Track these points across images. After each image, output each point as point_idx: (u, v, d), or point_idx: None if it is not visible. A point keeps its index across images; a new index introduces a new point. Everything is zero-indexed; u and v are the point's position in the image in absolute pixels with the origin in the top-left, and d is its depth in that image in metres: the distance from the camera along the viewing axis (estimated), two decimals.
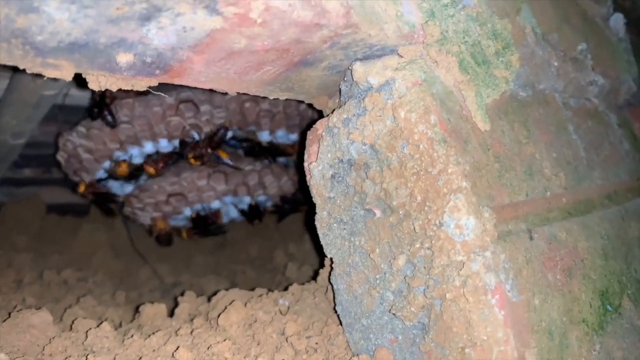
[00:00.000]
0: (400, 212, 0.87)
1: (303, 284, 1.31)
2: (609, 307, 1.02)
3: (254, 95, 1.78)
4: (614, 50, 1.72)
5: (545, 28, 1.26)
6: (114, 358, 0.99)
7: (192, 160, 1.74)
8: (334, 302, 1.03)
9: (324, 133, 0.98)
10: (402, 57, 0.89)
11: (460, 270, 0.80)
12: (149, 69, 0.81)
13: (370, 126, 0.89)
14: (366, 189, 0.92)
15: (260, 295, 1.26)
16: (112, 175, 1.82)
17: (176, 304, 1.38)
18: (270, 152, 1.92)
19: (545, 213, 1.02)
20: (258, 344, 1.03)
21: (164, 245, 2.22)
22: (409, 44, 0.89)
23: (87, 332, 1.09)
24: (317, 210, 1.02)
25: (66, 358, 0.97)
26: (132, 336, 1.08)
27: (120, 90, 1.67)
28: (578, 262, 1.00)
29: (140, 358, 0.97)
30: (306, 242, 2.23)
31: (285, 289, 1.30)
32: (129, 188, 1.97)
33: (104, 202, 2.13)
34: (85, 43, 0.71)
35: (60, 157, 1.86)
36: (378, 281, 0.93)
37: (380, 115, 0.87)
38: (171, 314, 1.35)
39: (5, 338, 1.07)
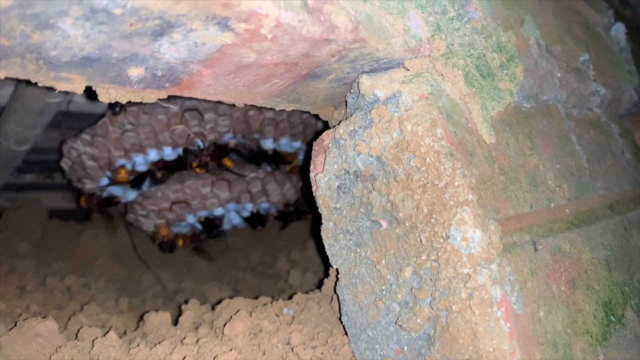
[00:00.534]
0: (407, 224, 0.88)
1: (307, 292, 1.31)
2: (612, 317, 1.03)
3: None
4: (615, 59, 1.73)
5: (549, 39, 1.27)
6: None
7: (196, 169, 1.75)
8: (340, 312, 1.04)
9: (330, 144, 0.98)
10: (408, 70, 0.90)
11: (467, 282, 0.81)
12: (159, 82, 0.82)
13: (377, 138, 0.90)
14: (372, 200, 0.93)
15: (265, 304, 1.26)
16: (113, 182, 1.83)
17: (180, 312, 1.39)
18: (273, 160, 1.94)
19: (549, 224, 1.03)
20: (264, 354, 1.03)
21: (166, 251, 2.23)
22: (416, 57, 0.90)
23: (93, 341, 1.10)
24: (323, 220, 1.03)
25: None
26: (138, 345, 1.09)
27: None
28: (582, 273, 1.01)
29: None
30: (309, 249, 2.24)
31: (290, 297, 1.31)
32: (132, 195, 1.98)
33: (106, 207, 2.13)
34: (98, 57, 0.71)
35: (65, 164, 1.87)
36: (384, 292, 0.93)
37: (386, 128, 0.88)
38: (175, 322, 1.35)
39: (12, 347, 1.07)
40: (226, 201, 1.90)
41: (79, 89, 0.78)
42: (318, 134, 1.07)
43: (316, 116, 1.12)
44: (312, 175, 1.06)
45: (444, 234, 0.82)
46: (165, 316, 1.31)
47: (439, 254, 0.83)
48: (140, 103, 1.73)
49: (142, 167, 1.82)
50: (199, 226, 2.08)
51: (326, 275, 1.29)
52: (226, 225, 2.11)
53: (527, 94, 1.12)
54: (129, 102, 1.74)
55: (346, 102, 1.00)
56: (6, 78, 0.76)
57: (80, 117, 1.99)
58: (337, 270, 1.03)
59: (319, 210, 1.04)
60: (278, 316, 1.17)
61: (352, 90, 0.97)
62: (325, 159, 1.00)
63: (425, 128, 0.84)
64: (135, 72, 0.76)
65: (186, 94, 0.89)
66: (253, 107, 1.75)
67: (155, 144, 1.71)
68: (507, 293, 0.81)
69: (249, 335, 1.09)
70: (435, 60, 0.90)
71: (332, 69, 0.88)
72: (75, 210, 2.71)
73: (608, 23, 1.86)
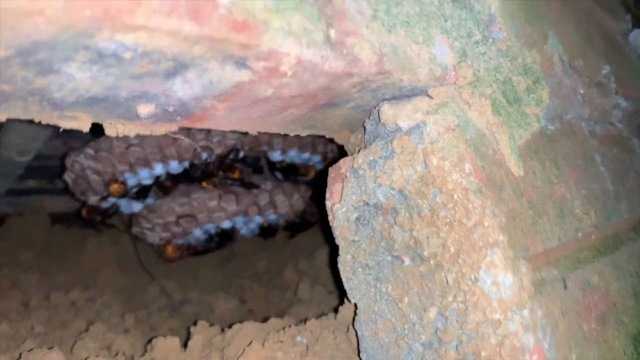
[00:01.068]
0: (432, 262, 0.84)
1: (321, 317, 1.27)
2: None
3: None
4: (634, 68, 1.68)
5: (571, 53, 1.22)
6: None
7: (204, 184, 1.71)
8: (358, 347, 1.00)
9: (348, 174, 0.94)
10: (432, 98, 0.85)
11: (497, 329, 0.76)
12: (170, 116, 0.77)
13: (399, 170, 0.85)
14: (394, 235, 0.88)
15: (278, 331, 1.22)
16: (109, 195, 1.79)
17: (189, 335, 1.35)
18: (286, 171, 1.89)
19: (576, 254, 0.98)
20: None
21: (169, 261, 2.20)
22: (441, 85, 0.85)
23: None
24: (340, 253, 0.99)
25: None
26: None
27: None
28: (611, 306, 0.97)
29: None
30: (317, 259, 2.19)
31: (303, 321, 1.26)
32: (137, 206, 1.94)
33: (108, 218, 2.10)
34: (105, 97, 0.67)
35: (68, 177, 1.82)
36: (406, 331, 0.89)
37: (410, 160, 0.84)
38: (185, 343, 1.31)
39: None
40: (233, 214, 1.86)
41: (85, 126, 0.74)
42: (328, 153, 1.03)
43: (331, 140, 1.07)
44: (328, 204, 1.01)
45: (472, 277, 0.78)
46: (174, 342, 1.27)
47: (467, 296, 0.79)
48: None
49: (147, 182, 1.78)
50: (213, 237, 2.03)
51: (337, 287, 1.25)
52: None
53: (551, 115, 1.07)
54: None
55: (364, 128, 0.95)
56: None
57: None
58: (355, 305, 0.99)
59: (336, 241, 1.00)
60: (292, 346, 1.13)
61: (371, 117, 0.92)
62: (342, 188, 0.96)
63: (453, 163, 0.79)
64: (145, 109, 0.72)
65: (198, 125, 0.84)
66: None
67: (161, 158, 1.67)
68: (540, 339, 0.76)
69: None
70: (462, 89, 0.85)
71: (351, 98, 0.84)
72: (78, 213, 2.67)
73: (626, 29, 1.81)
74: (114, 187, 1.69)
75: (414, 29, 0.80)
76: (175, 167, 1.70)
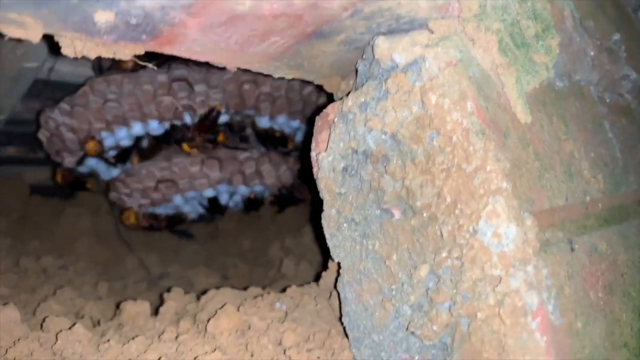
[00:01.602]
0: (425, 215, 0.75)
1: (302, 285, 1.18)
2: None
3: (254, 77, 1.67)
4: None
5: (582, 13, 1.13)
6: None
7: (186, 148, 1.61)
8: (340, 312, 0.91)
9: (336, 119, 0.85)
10: (433, 32, 0.76)
11: (497, 286, 0.68)
12: (133, 33, 0.68)
13: (393, 112, 0.76)
14: (384, 185, 0.79)
15: (255, 297, 1.13)
16: (85, 154, 1.69)
17: (162, 301, 1.26)
18: (270, 141, 1.79)
19: (583, 220, 0.90)
20: (252, 356, 0.90)
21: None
22: (442, 17, 0.76)
23: (57, 334, 0.96)
24: (325, 207, 0.90)
25: None
26: (108, 341, 0.96)
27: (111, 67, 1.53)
28: (618, 277, 0.89)
29: None
30: (304, 236, 2.10)
31: (283, 290, 1.18)
32: (115, 172, 1.84)
33: (82, 184, 1.99)
34: None
35: (42, 135, 1.72)
36: (394, 292, 0.80)
37: (405, 100, 0.75)
38: (156, 311, 1.22)
39: None
40: (217, 182, 1.76)
41: (35, 36, 0.64)
42: (321, 109, 0.93)
43: (320, 88, 0.98)
44: (313, 154, 0.92)
45: (470, 228, 0.69)
46: (144, 306, 1.17)
47: (463, 251, 0.70)
48: (124, 71, 1.59)
49: (125, 142, 1.67)
50: (202, 206, 1.93)
51: (324, 266, 1.16)
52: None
53: (560, 71, 0.98)
54: (112, 69, 1.59)
55: (356, 70, 0.86)
56: None
57: (62, 87, 1.84)
58: (338, 264, 0.90)
59: (320, 194, 0.91)
60: (269, 312, 1.04)
61: (364, 56, 0.83)
62: (329, 135, 0.87)
63: (453, 101, 0.70)
64: (103, 17, 0.62)
65: (167, 50, 0.75)
66: (249, 79, 1.60)
67: (139, 116, 1.57)
68: (544, 300, 0.68)
69: (235, 334, 0.96)
70: (466, 22, 0.76)
71: (343, 27, 0.74)
72: (59, 186, 2.57)
73: (636, 4, 1.72)
74: (90, 145, 1.58)
75: None
76: (155, 127, 1.60)
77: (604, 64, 1.21)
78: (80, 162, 1.73)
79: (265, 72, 0.87)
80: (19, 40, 0.65)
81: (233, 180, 1.78)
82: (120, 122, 1.57)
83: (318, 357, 0.90)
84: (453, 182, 0.71)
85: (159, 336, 1.00)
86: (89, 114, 1.56)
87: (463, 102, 0.70)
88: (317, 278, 1.23)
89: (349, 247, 0.87)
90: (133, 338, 0.96)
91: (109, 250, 2.16)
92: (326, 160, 0.86)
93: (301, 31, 0.73)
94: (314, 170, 0.91)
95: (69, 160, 1.75)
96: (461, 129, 0.70)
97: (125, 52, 0.73)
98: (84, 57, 1.69)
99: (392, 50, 0.75)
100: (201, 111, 1.58)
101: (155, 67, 0.79)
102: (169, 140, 1.66)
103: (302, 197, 2.07)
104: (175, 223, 2.00)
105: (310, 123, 0.92)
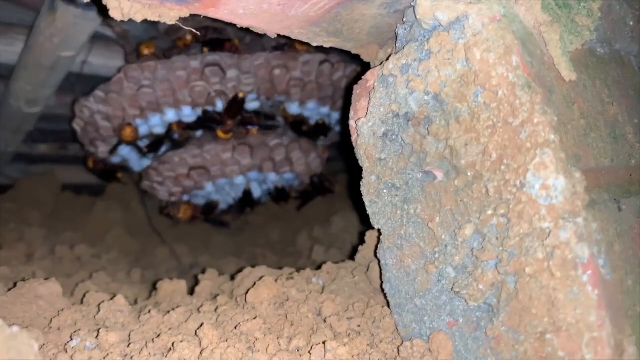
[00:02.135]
0: (469, 174, 0.74)
1: (338, 262, 1.18)
2: None
3: (285, 62, 1.67)
4: None
5: None
6: (129, 334, 0.87)
7: (221, 134, 1.62)
8: (381, 280, 0.91)
9: (376, 84, 0.85)
10: None
11: (545, 239, 0.67)
12: None
13: (436, 72, 0.76)
14: (427, 147, 0.79)
15: (291, 274, 1.13)
16: (121, 141, 1.70)
17: (196, 283, 1.27)
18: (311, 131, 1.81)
19: (627, 185, 0.88)
20: (292, 325, 0.90)
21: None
22: None
23: (99, 305, 0.98)
24: (364, 174, 0.89)
25: (75, 332, 0.86)
26: (149, 312, 0.97)
27: (144, 54, 1.55)
28: None
29: (159, 336, 0.85)
30: (332, 225, 2.10)
31: (318, 267, 1.18)
32: (146, 162, 1.86)
33: (110, 176, 2.02)
34: None
35: (77, 125, 1.75)
36: (437, 255, 0.80)
37: (449, 59, 0.74)
38: (191, 292, 1.23)
39: (10, 309, 0.96)
40: (247, 169, 1.77)
41: None
42: (351, 90, 0.93)
43: (358, 60, 0.98)
44: (352, 122, 0.92)
45: (517, 182, 0.68)
46: (181, 284, 1.19)
47: (510, 206, 0.69)
48: (157, 58, 1.61)
49: (158, 129, 1.69)
50: (235, 199, 1.95)
51: (361, 242, 1.16)
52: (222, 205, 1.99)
53: (601, 37, 0.96)
54: (146, 56, 1.61)
55: (396, 35, 0.86)
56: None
57: (95, 80, 1.87)
58: (378, 231, 0.90)
59: (360, 162, 0.90)
60: (307, 285, 1.04)
61: (405, 19, 0.83)
62: (369, 102, 0.86)
63: (499, 55, 0.70)
64: None
65: (211, 13, 0.75)
66: (279, 65, 1.61)
67: (173, 102, 1.58)
68: (594, 254, 0.67)
69: (274, 305, 0.97)
70: None
71: None
72: (89, 184, 2.61)
73: None
74: (127, 131, 1.60)
75: None
76: (188, 113, 1.61)
77: None
78: (113, 150, 1.75)
79: (304, 39, 0.88)
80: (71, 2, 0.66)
81: (263, 167, 1.79)
82: (154, 109, 1.59)
83: (359, 325, 0.89)
84: (499, 138, 0.71)
85: (198, 309, 1.01)
86: (124, 101, 1.59)
87: (508, 57, 0.70)
88: (352, 256, 1.22)
89: (390, 213, 0.87)
90: (173, 309, 0.97)
91: (140, 241, 2.19)
92: (366, 126, 0.86)
93: None
94: (353, 138, 0.91)
95: (102, 150, 1.78)
96: (507, 83, 0.69)
97: (171, 15, 0.74)
98: (117, 49, 1.70)
99: (434, 8, 0.75)
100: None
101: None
102: (201, 126, 1.67)
103: (331, 187, 2.07)
104: (209, 212, 2.01)
105: (349, 93, 0.92)
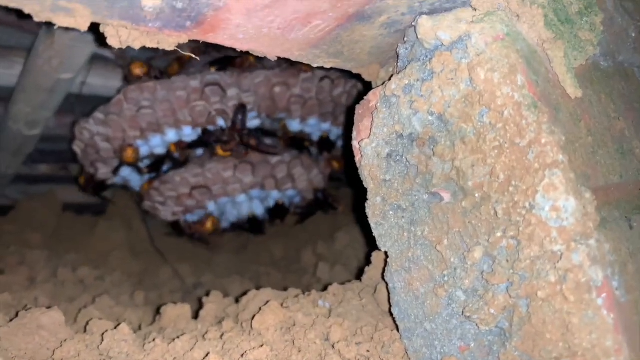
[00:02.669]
0: (477, 195, 0.73)
1: (344, 283, 1.16)
2: None
3: (285, 79, 1.67)
4: None
5: None
6: None
7: (220, 151, 1.61)
8: (389, 303, 0.89)
9: (378, 104, 0.84)
10: (476, 9, 0.74)
11: (557, 262, 0.65)
12: (178, 19, 0.68)
13: (439, 92, 0.74)
14: (432, 168, 0.78)
15: (297, 296, 1.12)
16: (121, 163, 1.69)
17: (201, 306, 1.25)
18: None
19: (637, 201, 0.87)
20: (299, 351, 0.89)
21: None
22: None
23: (103, 334, 0.96)
24: (369, 195, 0.88)
25: None
26: (153, 340, 0.95)
27: (142, 75, 1.54)
28: None
29: None
30: (337, 242, 2.08)
31: (324, 289, 1.16)
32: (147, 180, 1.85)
33: (103, 191, 1.99)
34: None
35: (77, 147, 1.74)
36: (446, 278, 0.78)
37: (452, 79, 0.73)
38: (196, 315, 1.21)
39: (11, 340, 0.94)
40: (250, 186, 1.75)
41: (83, 24, 0.64)
42: (352, 107, 0.92)
43: (358, 77, 0.97)
44: (355, 142, 0.91)
45: (527, 204, 0.67)
46: (185, 309, 1.17)
47: (520, 228, 0.68)
48: (157, 78, 1.60)
49: (159, 150, 1.68)
50: (242, 227, 1.95)
51: (367, 262, 1.14)
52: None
53: (604, 51, 0.96)
54: (144, 77, 1.60)
55: (397, 55, 0.85)
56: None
57: (94, 100, 1.87)
58: (385, 254, 0.88)
59: (364, 183, 0.89)
60: (313, 308, 1.02)
61: (405, 39, 0.82)
62: (372, 122, 0.85)
63: (503, 74, 0.69)
64: (150, 1, 0.62)
65: (211, 38, 0.74)
66: (279, 82, 1.60)
67: (173, 122, 1.57)
68: (609, 276, 0.65)
69: (281, 330, 0.95)
70: None
71: (385, 6, 0.73)
72: (90, 204, 2.60)
73: None
74: (129, 153, 1.59)
75: None
76: (188, 133, 1.61)
77: None
78: (115, 171, 1.74)
79: (305, 61, 0.87)
80: (67, 30, 0.65)
81: (265, 184, 1.77)
82: (155, 129, 1.58)
83: (368, 351, 0.88)
84: (506, 159, 0.69)
85: (204, 335, 0.99)
86: (123, 122, 1.58)
87: (513, 76, 0.69)
88: (356, 279, 1.21)
89: (396, 235, 0.85)
90: (178, 337, 0.95)
91: (143, 262, 2.17)
92: (370, 147, 0.85)
93: (343, 12, 0.73)
94: (357, 159, 0.90)
95: (102, 172, 1.77)
96: (513, 103, 0.68)
97: (169, 42, 0.73)
98: (116, 68, 1.70)
99: (436, 28, 0.74)
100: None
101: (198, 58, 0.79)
102: (201, 145, 1.66)
103: (335, 204, 2.06)
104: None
105: (351, 113, 0.91)
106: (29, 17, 0.64)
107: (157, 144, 1.65)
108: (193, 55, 0.77)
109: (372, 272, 1.09)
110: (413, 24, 0.78)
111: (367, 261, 1.14)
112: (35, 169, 2.53)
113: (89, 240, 2.26)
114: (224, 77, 1.55)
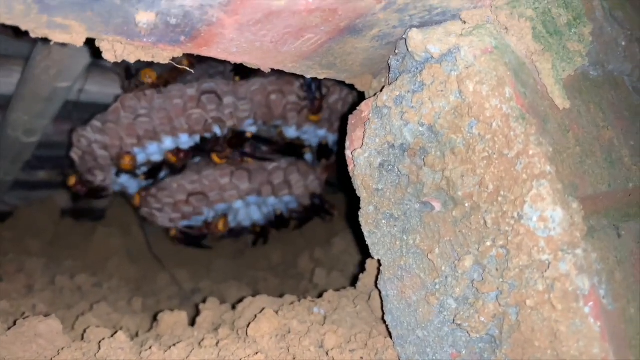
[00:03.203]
0: (467, 205, 0.74)
1: (339, 290, 1.17)
2: None
3: (280, 87, 1.68)
4: None
5: (611, 3, 1.13)
6: None
7: (215, 158, 1.62)
8: (382, 310, 0.90)
9: (371, 115, 0.85)
10: (466, 22, 0.76)
11: (545, 271, 0.66)
12: (172, 34, 0.69)
13: (430, 103, 0.76)
14: (423, 178, 0.79)
15: (292, 303, 1.13)
16: (118, 170, 1.71)
17: (197, 312, 1.26)
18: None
19: (626, 208, 0.88)
20: (294, 358, 0.90)
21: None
22: (475, 7, 0.76)
23: (100, 342, 0.97)
24: (362, 204, 0.89)
25: None
26: (150, 348, 0.96)
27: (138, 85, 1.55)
28: None
29: None
30: (334, 247, 2.10)
31: (320, 295, 1.17)
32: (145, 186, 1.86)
33: (95, 197, 1.98)
34: None
35: (75, 154, 1.75)
36: (437, 286, 0.79)
37: (441, 90, 0.74)
38: (192, 322, 1.23)
39: (9, 348, 0.95)
40: (246, 193, 1.77)
41: (79, 40, 0.66)
42: (347, 115, 0.94)
43: (351, 87, 0.99)
44: (348, 152, 0.92)
45: (515, 214, 0.68)
46: (182, 316, 1.18)
47: (509, 238, 0.69)
48: (154, 86, 1.61)
49: (156, 157, 1.70)
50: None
51: (361, 269, 1.15)
52: (245, 222, 1.97)
53: (593, 60, 0.97)
54: (142, 86, 1.62)
55: (389, 66, 0.86)
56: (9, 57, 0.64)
57: (92, 107, 1.88)
58: (378, 262, 0.89)
59: (357, 192, 0.90)
60: (308, 316, 1.03)
61: (397, 51, 0.83)
62: (364, 132, 0.87)
63: (491, 87, 0.70)
64: (144, 17, 0.64)
65: (204, 51, 0.76)
66: (275, 90, 1.62)
67: (170, 130, 1.58)
68: (595, 285, 0.66)
69: (276, 337, 0.96)
70: (499, 10, 0.75)
71: (376, 20, 0.75)
72: (88, 208, 2.61)
73: None
74: (126, 160, 1.61)
75: None
76: (185, 140, 1.62)
77: (635, 55, 1.19)
78: (115, 176, 1.76)
79: (298, 72, 0.88)
80: (61, 45, 0.66)
81: (262, 191, 1.79)
82: (152, 137, 1.59)
83: (362, 358, 0.89)
84: (495, 169, 0.70)
85: (199, 343, 1.00)
86: (121, 130, 1.59)
87: (501, 88, 0.70)
88: (352, 285, 1.22)
89: (389, 243, 0.86)
90: (174, 344, 0.96)
91: (140, 268, 2.18)
92: (362, 156, 0.86)
93: (335, 26, 0.74)
94: (350, 168, 0.91)
95: (100, 179, 1.78)
96: (501, 115, 0.70)
97: (164, 56, 0.74)
98: (113, 77, 1.71)
99: (426, 41, 0.75)
100: (230, 123, 1.60)
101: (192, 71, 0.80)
102: (198, 152, 1.68)
103: (331, 210, 2.08)
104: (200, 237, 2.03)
105: (344, 123, 0.92)
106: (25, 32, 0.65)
107: (154, 152, 1.66)
108: (187, 68, 0.78)
109: (366, 279, 1.11)
110: (404, 36, 0.79)
111: (363, 267, 1.15)
112: (34, 176, 2.54)
113: (87, 247, 2.27)
114: (220, 85, 1.56)
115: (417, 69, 0.79)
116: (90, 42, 0.71)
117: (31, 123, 1.76)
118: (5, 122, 1.81)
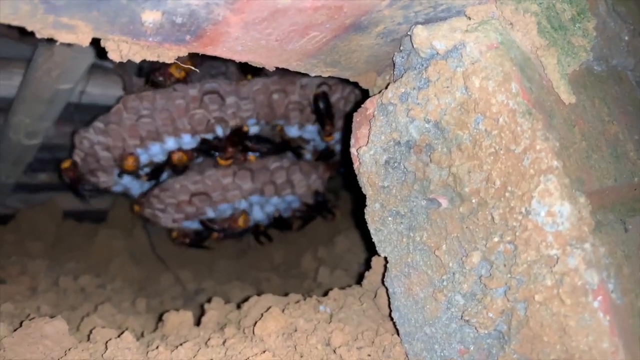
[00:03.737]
0: (474, 201, 0.74)
1: (344, 288, 1.17)
2: None
3: (283, 87, 1.68)
4: None
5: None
6: None
7: (221, 161, 1.62)
8: (389, 308, 0.90)
9: (376, 112, 0.85)
10: (470, 18, 0.76)
11: (554, 266, 0.66)
12: (178, 33, 0.69)
13: (435, 100, 0.76)
14: (429, 174, 0.79)
15: (298, 302, 1.13)
16: (121, 171, 1.70)
17: (202, 312, 1.26)
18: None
19: (632, 203, 0.88)
20: (301, 357, 0.90)
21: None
22: (480, 3, 0.76)
23: (106, 343, 0.97)
24: (368, 202, 0.89)
25: None
26: (157, 347, 0.96)
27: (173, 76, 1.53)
28: None
29: None
30: (337, 246, 2.10)
31: (324, 294, 1.17)
32: (146, 187, 1.86)
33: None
34: None
35: (77, 156, 1.75)
36: (445, 283, 0.79)
37: (447, 87, 0.74)
38: (198, 322, 1.22)
39: (16, 350, 0.95)
40: (249, 193, 1.77)
41: (85, 40, 0.66)
42: (351, 114, 0.94)
43: (355, 84, 0.99)
44: (353, 150, 0.92)
45: (523, 210, 0.68)
46: (187, 316, 1.18)
47: (517, 233, 0.69)
48: (156, 87, 1.61)
49: (159, 158, 1.70)
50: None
51: (366, 267, 1.15)
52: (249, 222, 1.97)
53: (597, 55, 0.97)
54: (144, 87, 1.62)
55: (394, 63, 0.86)
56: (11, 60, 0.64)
57: (93, 109, 1.88)
58: (385, 259, 0.89)
59: (363, 189, 0.90)
60: (314, 314, 1.03)
61: (401, 48, 0.83)
62: (369, 130, 0.87)
63: (497, 83, 0.70)
64: (150, 16, 0.64)
65: (210, 51, 0.76)
66: (277, 89, 1.62)
67: (173, 131, 1.58)
68: (604, 279, 0.66)
69: (282, 336, 0.96)
70: (504, 5, 0.75)
71: (381, 17, 0.75)
72: (90, 211, 2.61)
73: None
74: (130, 161, 1.61)
75: None
76: (187, 141, 1.62)
77: (638, 49, 1.19)
78: (118, 177, 1.76)
79: (303, 71, 0.88)
80: (67, 44, 0.66)
81: (265, 191, 1.79)
82: (154, 138, 1.59)
83: (369, 355, 0.89)
84: (502, 165, 0.70)
85: (206, 342, 1.00)
86: (123, 131, 1.59)
87: (507, 84, 0.70)
88: (356, 283, 1.22)
89: (395, 240, 0.86)
90: (181, 344, 0.96)
91: (144, 268, 2.18)
92: (367, 154, 0.86)
93: (340, 24, 0.74)
94: (355, 165, 0.91)
95: (103, 180, 1.78)
96: (507, 111, 0.70)
97: (169, 55, 0.74)
98: (114, 78, 1.71)
99: (431, 38, 0.75)
100: (233, 122, 1.60)
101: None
102: (201, 153, 1.68)
103: (333, 209, 2.08)
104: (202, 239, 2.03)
105: (349, 121, 0.92)
106: (31, 33, 0.65)
107: (156, 152, 1.66)
108: (192, 67, 0.78)
109: (372, 277, 1.11)
110: (409, 33, 0.79)
111: (367, 265, 1.15)
112: (35, 178, 2.54)
113: (89, 248, 2.26)
114: (222, 85, 1.56)
115: (423, 65, 0.79)
116: (92, 43, 0.71)
117: (33, 125, 1.76)
118: (6, 124, 1.81)
